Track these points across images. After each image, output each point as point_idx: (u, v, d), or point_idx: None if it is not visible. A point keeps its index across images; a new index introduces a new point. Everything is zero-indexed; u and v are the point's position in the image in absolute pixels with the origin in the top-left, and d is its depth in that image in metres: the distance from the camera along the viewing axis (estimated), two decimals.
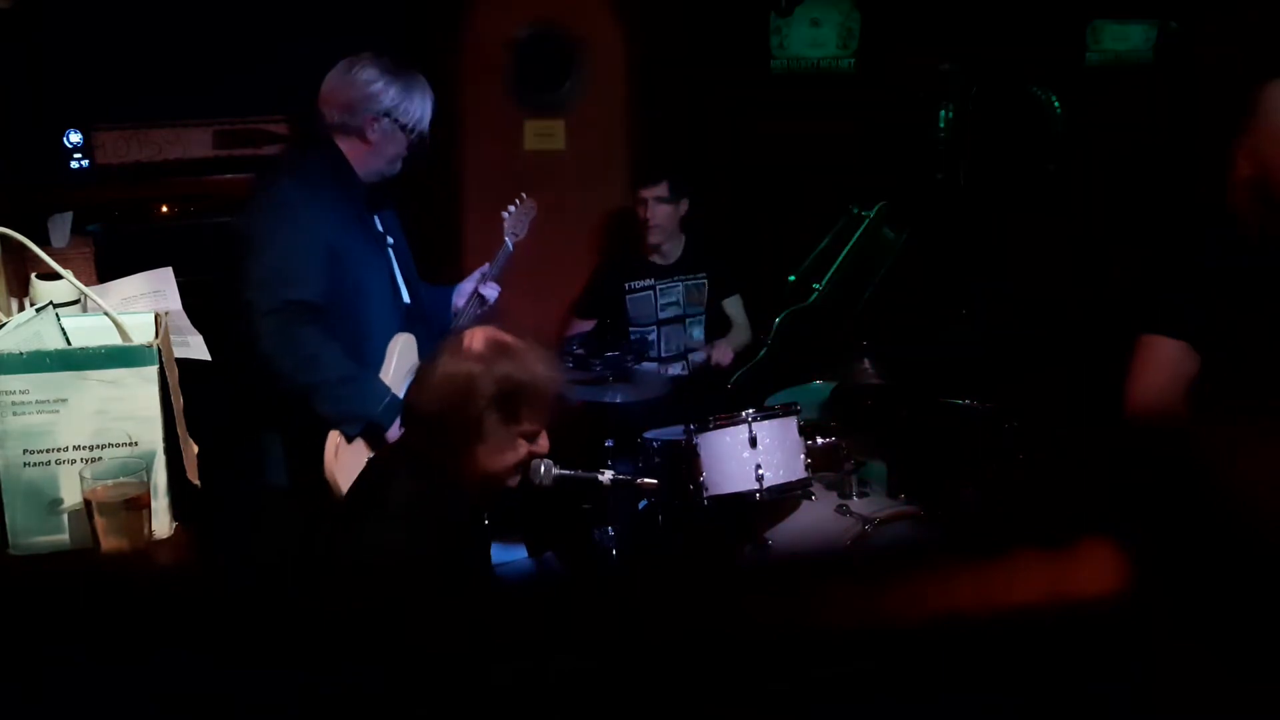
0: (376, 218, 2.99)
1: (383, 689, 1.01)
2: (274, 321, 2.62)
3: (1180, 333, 2.41)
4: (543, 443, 2.22)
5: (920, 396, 3.87)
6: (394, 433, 2.75)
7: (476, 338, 2.18)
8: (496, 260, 3.29)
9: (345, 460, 2.74)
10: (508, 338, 2.19)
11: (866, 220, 4.48)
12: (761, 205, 4.84)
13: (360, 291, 2.82)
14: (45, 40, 3.70)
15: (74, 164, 3.87)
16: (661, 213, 4.19)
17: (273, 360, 2.63)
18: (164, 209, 4.01)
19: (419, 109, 2.90)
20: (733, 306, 4.40)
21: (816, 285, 4.35)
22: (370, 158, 2.88)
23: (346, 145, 2.87)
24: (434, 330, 3.06)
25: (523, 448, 2.17)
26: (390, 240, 3.01)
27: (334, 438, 2.72)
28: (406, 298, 3.01)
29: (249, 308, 2.62)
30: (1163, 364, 2.46)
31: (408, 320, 2.99)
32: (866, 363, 3.81)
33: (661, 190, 4.18)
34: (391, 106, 2.85)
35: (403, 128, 2.88)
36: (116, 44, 3.79)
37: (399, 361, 2.91)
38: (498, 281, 3.25)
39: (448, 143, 4.69)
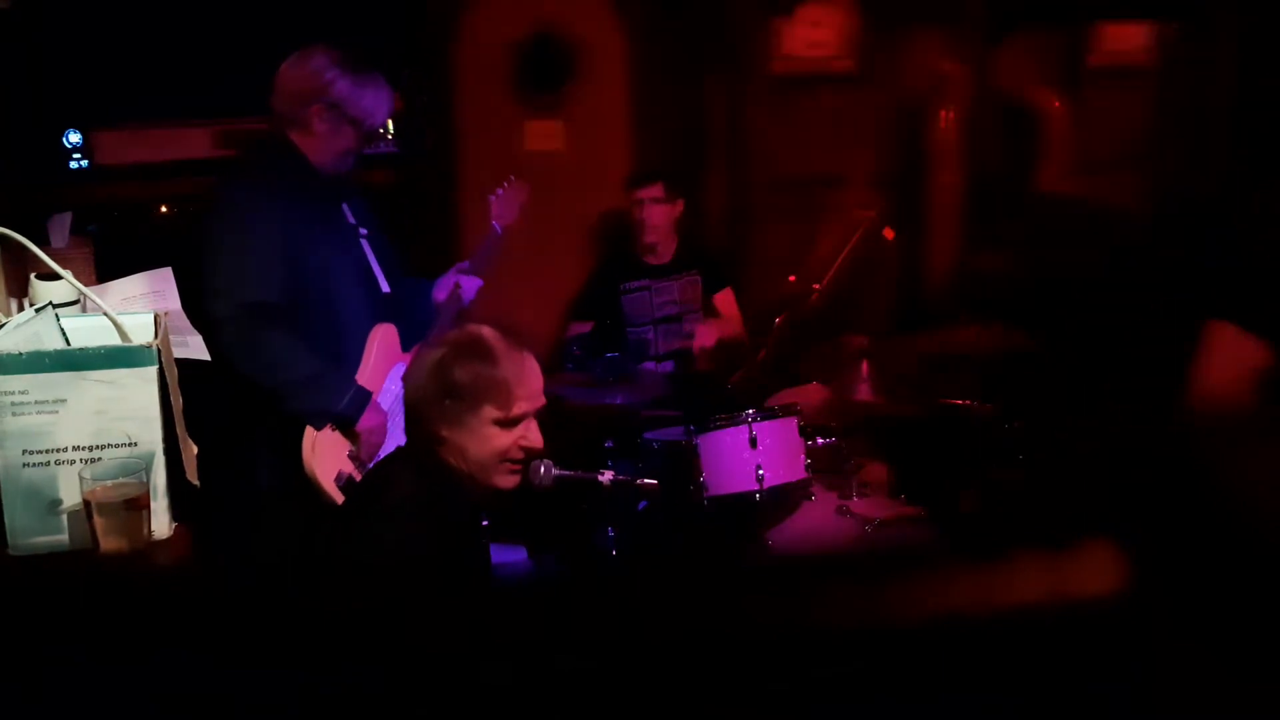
0: (347, 209, 2.96)
1: (383, 689, 1.01)
2: (233, 328, 2.63)
3: (1250, 323, 2.36)
4: (531, 435, 2.21)
5: (920, 397, 3.86)
6: (363, 423, 2.76)
7: (451, 331, 2.23)
8: (484, 246, 3.25)
9: (324, 454, 2.75)
10: (478, 330, 2.21)
11: (866, 220, 4.48)
12: (761, 205, 4.84)
13: (331, 284, 2.81)
14: (45, 40, 3.70)
15: (74, 164, 3.87)
16: (656, 214, 4.19)
17: (237, 365, 2.65)
18: (164, 209, 4.01)
19: (370, 103, 2.85)
20: (724, 301, 4.39)
21: (816, 285, 4.34)
22: (318, 150, 2.85)
23: (297, 138, 2.84)
24: (416, 323, 3.05)
25: (497, 436, 2.17)
26: (364, 231, 2.98)
27: (310, 433, 2.73)
28: (386, 287, 2.99)
29: (210, 316, 2.63)
30: (1231, 352, 2.43)
31: (389, 310, 2.98)
32: (866, 363, 3.82)
33: (656, 191, 4.19)
34: (340, 99, 2.81)
35: (351, 121, 2.84)
36: (116, 44, 3.79)
37: (379, 352, 2.90)
38: (485, 269, 3.22)
39: (448, 143, 4.70)
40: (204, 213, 2.82)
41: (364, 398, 2.76)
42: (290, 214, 2.74)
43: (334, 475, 2.74)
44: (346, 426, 2.77)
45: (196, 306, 2.17)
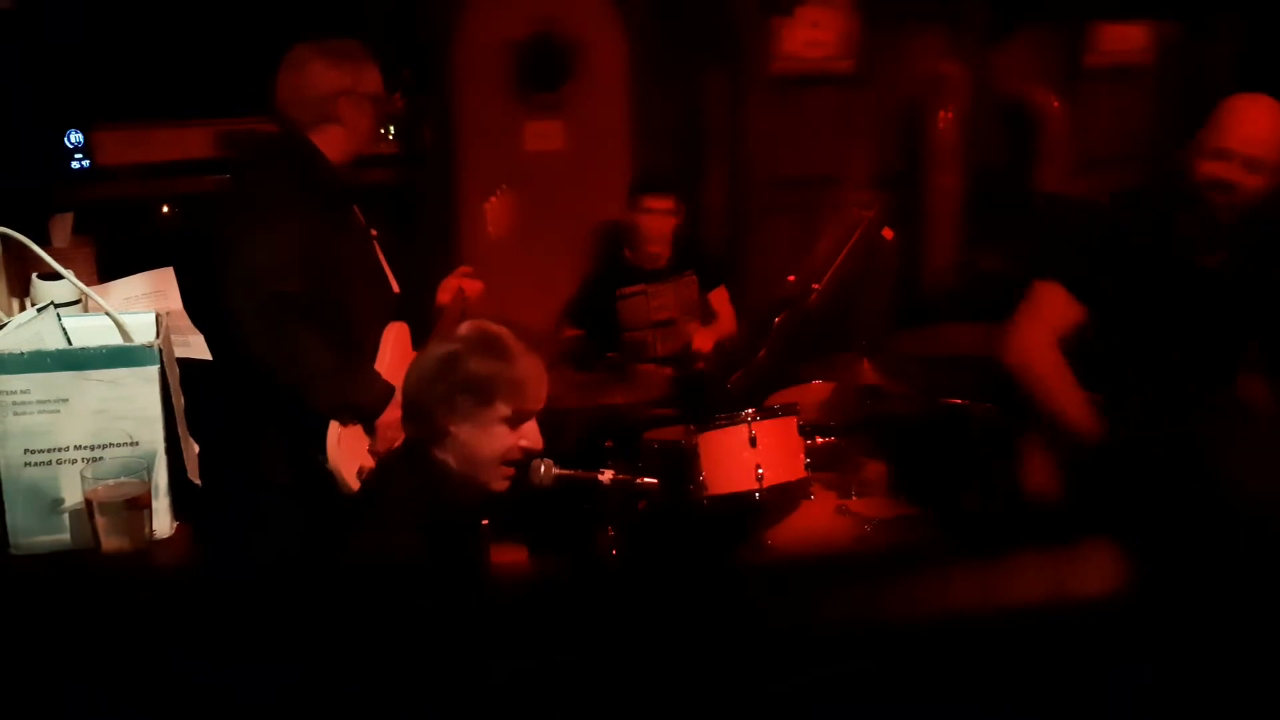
0: (357, 209, 3.00)
1: (382, 689, 1.01)
2: (260, 318, 2.63)
3: (1071, 285, 2.67)
4: (534, 438, 2.22)
5: (920, 397, 3.87)
6: (384, 418, 2.77)
7: (464, 325, 2.23)
8: (482, 252, 3.29)
9: (348, 449, 2.76)
10: (494, 327, 2.21)
11: (866, 220, 4.48)
12: (760, 205, 4.85)
13: (348, 283, 2.83)
14: (45, 40, 3.71)
15: (74, 164, 3.87)
16: (665, 225, 4.19)
17: (262, 356, 2.65)
18: (164, 209, 4.01)
19: (371, 75, 2.92)
20: (718, 298, 4.40)
21: (815, 285, 4.34)
22: (349, 139, 2.90)
23: (322, 136, 2.87)
24: (421, 324, 3.07)
25: (504, 435, 2.17)
26: (374, 232, 3.02)
27: (335, 428, 2.74)
28: (396, 287, 3.02)
29: (234, 307, 2.63)
30: (1051, 310, 2.70)
31: (400, 310, 3.00)
32: (866, 363, 3.82)
33: (668, 204, 4.18)
34: (350, 83, 2.86)
35: (368, 97, 2.90)
36: (117, 44, 3.79)
37: (393, 351, 2.92)
38: (481, 276, 3.24)
39: (448, 143, 4.70)
40: (220, 206, 2.83)
41: (389, 392, 2.78)
42: (310, 212, 2.76)
43: (356, 469, 2.75)
44: (369, 421, 2.78)
45: (197, 305, 2.16)
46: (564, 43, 4.72)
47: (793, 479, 3.43)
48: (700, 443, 3.46)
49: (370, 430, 2.80)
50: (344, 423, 2.76)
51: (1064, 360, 2.70)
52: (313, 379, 2.69)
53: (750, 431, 3.42)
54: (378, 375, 2.81)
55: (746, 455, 3.41)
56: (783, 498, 3.44)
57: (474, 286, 3.17)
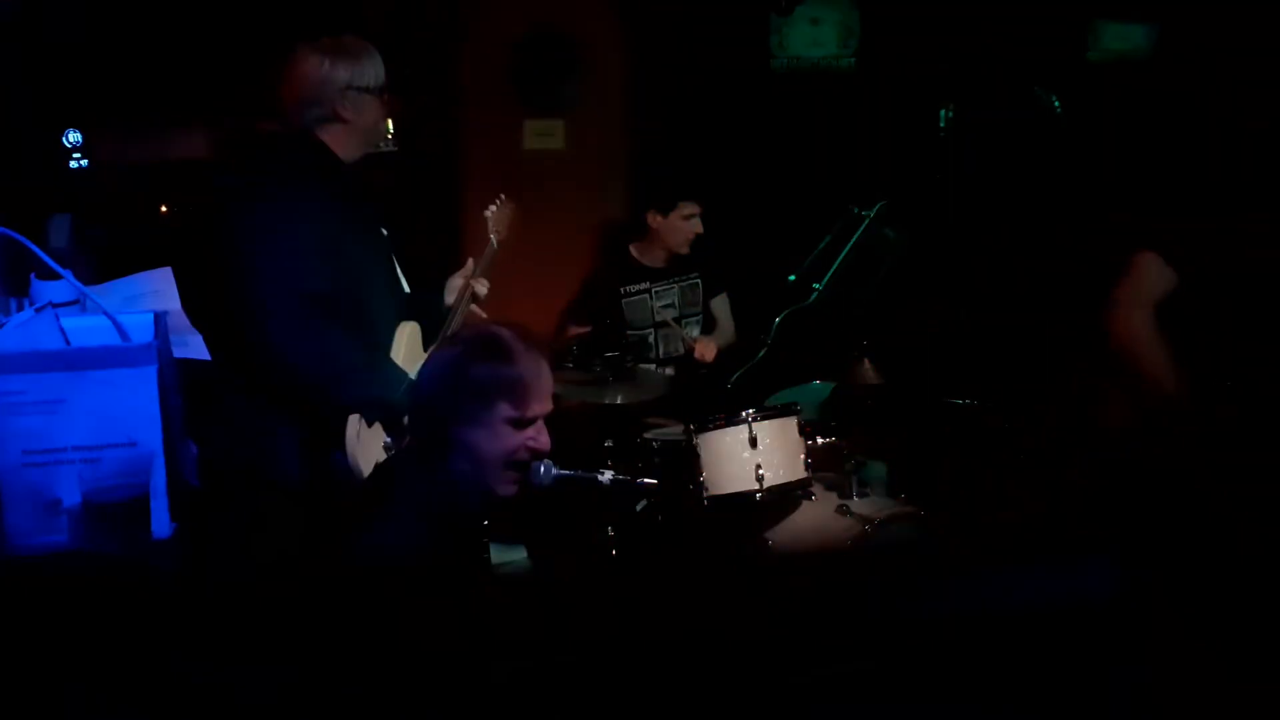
0: (371, 209, 3.00)
1: (381, 688, 1.01)
2: (288, 316, 2.64)
3: (1170, 258, 2.71)
4: (541, 439, 2.22)
5: (920, 396, 3.87)
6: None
7: (467, 328, 2.24)
8: (484, 258, 3.30)
9: (367, 443, 2.76)
10: (496, 329, 2.22)
11: (866, 220, 4.48)
12: (761, 205, 4.84)
13: (364, 281, 2.84)
14: (45, 40, 3.71)
15: (73, 164, 3.87)
16: (696, 229, 4.20)
17: (290, 354, 2.66)
18: (164, 209, 4.02)
19: (372, 68, 2.91)
20: (719, 306, 4.41)
21: (816, 285, 4.34)
22: (354, 135, 2.90)
23: (328, 134, 2.88)
24: (431, 324, 3.08)
25: (509, 436, 2.17)
26: (385, 231, 3.02)
27: (355, 422, 2.74)
28: (406, 287, 3.03)
29: (261, 304, 2.63)
30: (1149, 281, 2.74)
31: (411, 310, 3.01)
32: (866, 363, 3.82)
33: (699, 208, 4.20)
34: (350, 78, 2.86)
35: (369, 91, 2.89)
36: (116, 44, 3.80)
37: (407, 350, 2.93)
38: (485, 277, 3.25)
39: (449, 143, 4.71)
40: (234, 208, 2.83)
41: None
42: (328, 209, 2.78)
43: (373, 465, 2.76)
44: (396, 419, 2.78)
45: (197, 305, 2.16)
46: (564, 42, 4.73)
47: (793, 479, 3.43)
48: (700, 443, 3.46)
49: (395, 429, 2.80)
50: (370, 420, 2.76)
51: (1159, 335, 2.72)
52: (344, 375, 2.71)
53: (750, 432, 3.42)
54: (404, 372, 2.82)
55: (746, 455, 3.41)
56: (783, 498, 3.44)
57: (481, 285, 3.19)
